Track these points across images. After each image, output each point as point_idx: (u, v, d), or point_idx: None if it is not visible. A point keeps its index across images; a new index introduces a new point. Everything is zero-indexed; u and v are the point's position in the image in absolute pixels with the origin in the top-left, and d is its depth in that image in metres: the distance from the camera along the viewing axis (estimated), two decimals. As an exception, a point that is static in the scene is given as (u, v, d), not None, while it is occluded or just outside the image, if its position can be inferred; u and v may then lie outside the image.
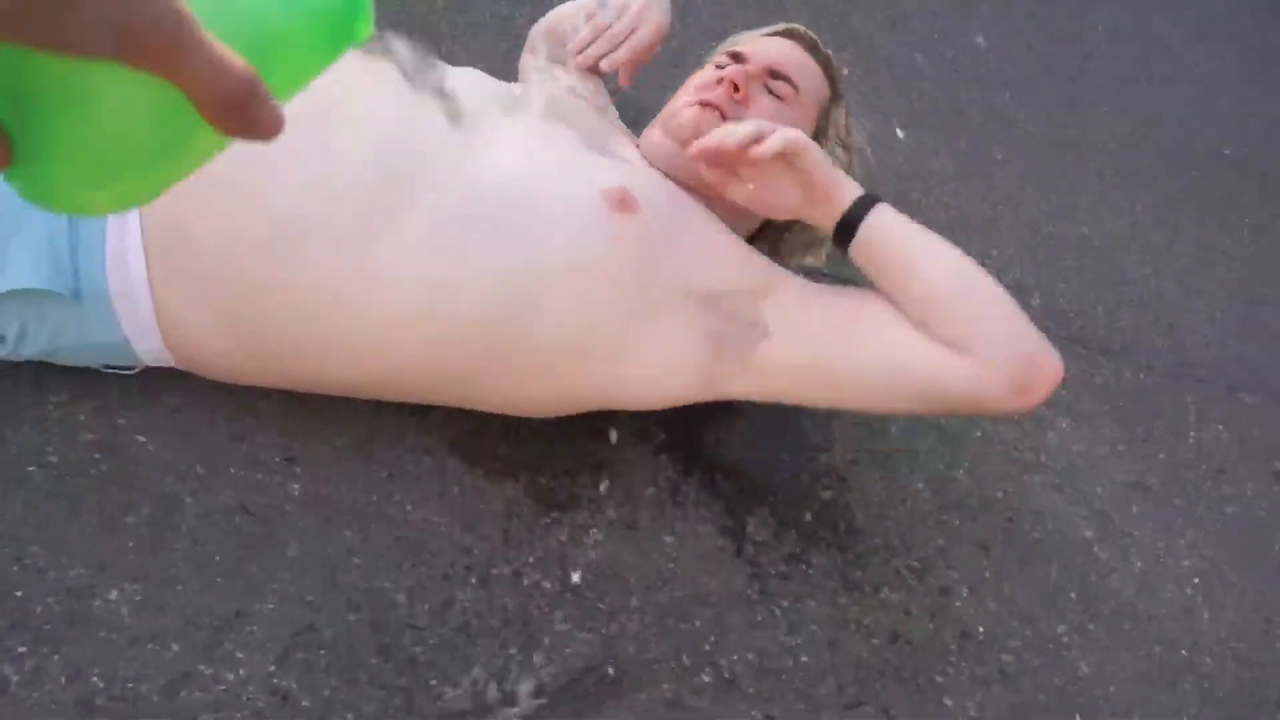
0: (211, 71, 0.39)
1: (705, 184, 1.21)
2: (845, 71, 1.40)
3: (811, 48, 1.35)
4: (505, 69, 1.41)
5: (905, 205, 1.67)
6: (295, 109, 1.11)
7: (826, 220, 1.15)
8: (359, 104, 1.10)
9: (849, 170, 1.33)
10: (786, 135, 1.10)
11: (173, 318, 1.09)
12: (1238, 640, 1.31)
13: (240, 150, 1.04)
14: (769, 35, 1.36)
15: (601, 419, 1.26)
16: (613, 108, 1.39)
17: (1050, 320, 1.61)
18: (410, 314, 1.06)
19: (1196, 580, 1.35)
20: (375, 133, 1.08)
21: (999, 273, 1.62)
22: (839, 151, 1.33)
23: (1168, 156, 1.97)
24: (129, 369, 1.17)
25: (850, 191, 1.14)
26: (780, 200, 1.15)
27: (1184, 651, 1.28)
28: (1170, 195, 1.90)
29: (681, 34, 1.86)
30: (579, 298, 1.08)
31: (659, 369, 1.13)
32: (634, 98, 1.49)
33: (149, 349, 1.13)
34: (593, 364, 1.12)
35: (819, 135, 1.32)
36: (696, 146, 1.12)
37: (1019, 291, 1.62)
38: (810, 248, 1.36)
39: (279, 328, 1.08)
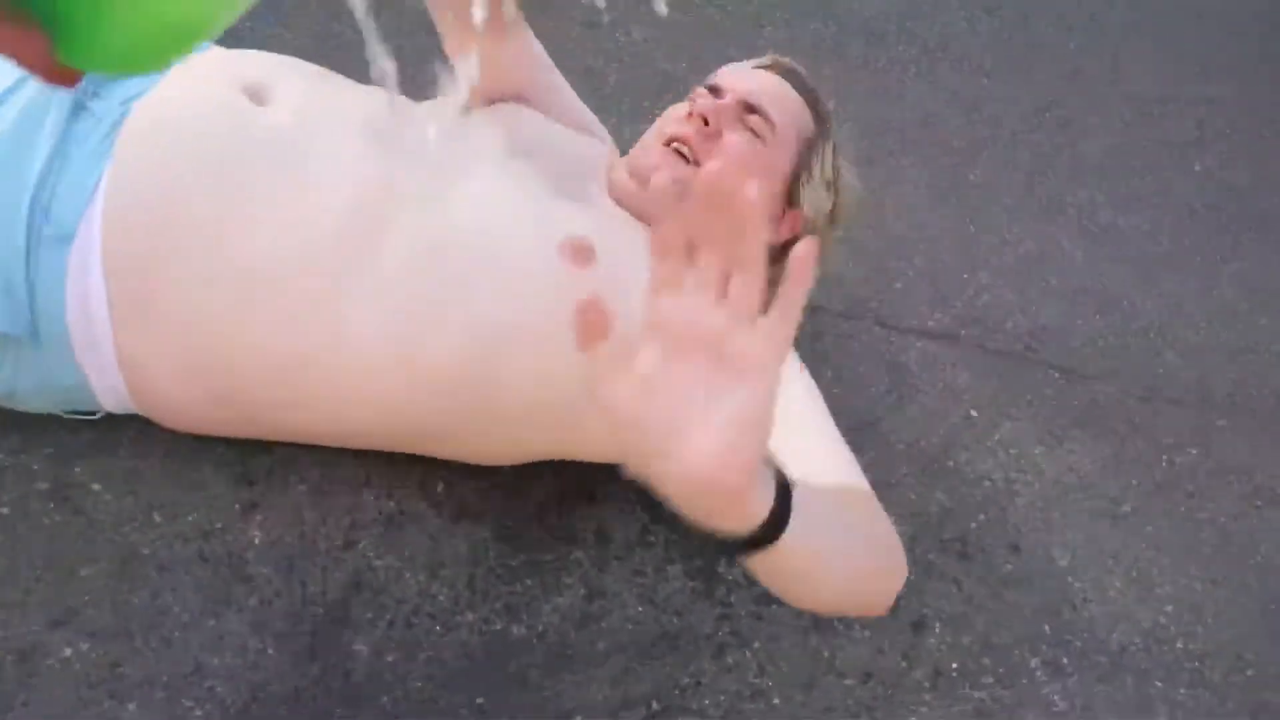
0: None
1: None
2: (832, 105, 1.34)
3: (795, 81, 1.29)
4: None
5: (881, 228, 1.67)
6: (264, 159, 1.07)
7: (706, 515, 0.69)
8: (328, 150, 1.08)
9: (835, 214, 1.29)
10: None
11: (135, 363, 1.07)
12: (1210, 669, 1.30)
13: (206, 200, 1.03)
14: (753, 68, 1.30)
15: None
16: (600, 136, 1.36)
17: (1024, 344, 1.60)
18: (377, 371, 1.05)
19: (1169, 608, 1.34)
20: (341, 181, 1.06)
21: (972, 296, 1.63)
22: (824, 193, 1.27)
23: (1160, 179, 1.96)
24: (91, 414, 1.15)
25: (764, 497, 0.71)
26: (656, 433, 0.64)
27: (1158, 683, 1.27)
28: (1158, 219, 1.89)
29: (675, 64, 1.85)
30: (535, 354, 1.05)
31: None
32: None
33: (110, 392, 1.10)
34: (555, 420, 1.10)
35: (801, 172, 1.25)
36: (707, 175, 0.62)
37: (998, 309, 1.62)
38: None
39: (244, 382, 1.07)
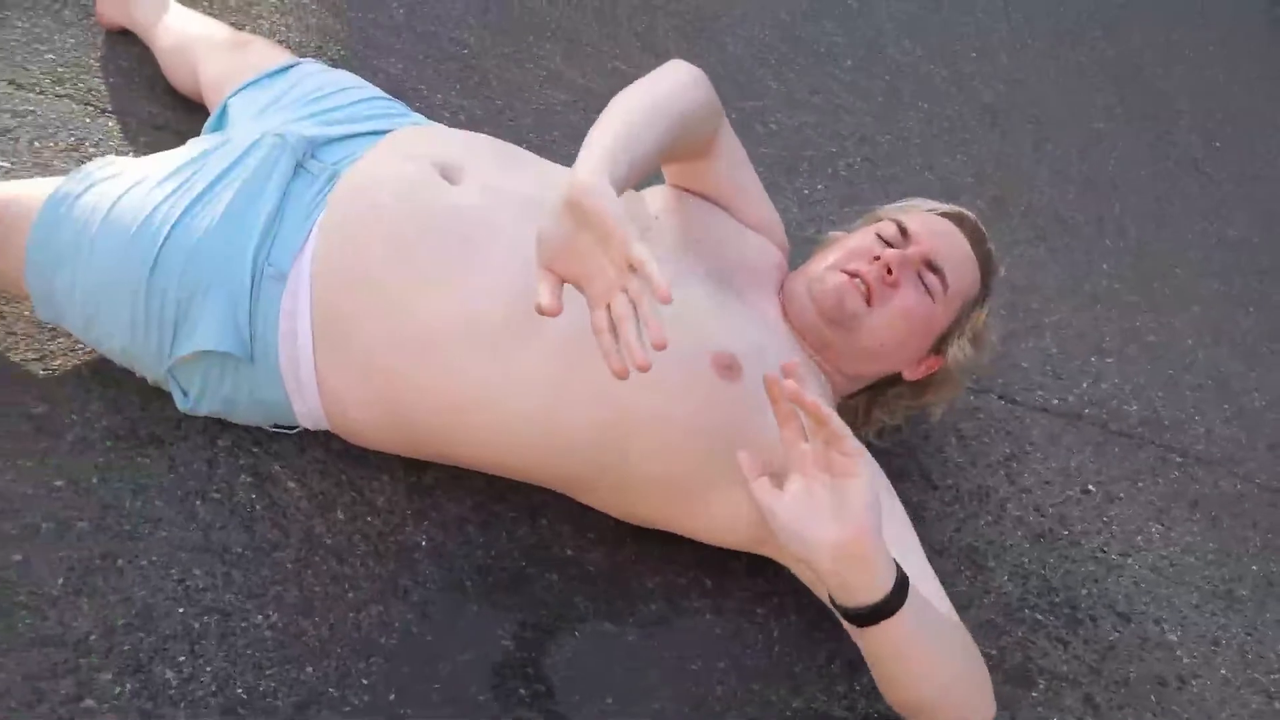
0: None
1: (827, 347, 1.29)
2: (1002, 272, 1.40)
3: (977, 240, 1.35)
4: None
5: (1012, 309, 1.75)
6: (449, 235, 1.19)
7: (842, 586, 1.04)
8: (505, 232, 1.21)
9: (967, 364, 1.36)
10: (869, 469, 1.06)
11: (331, 389, 1.24)
12: (1323, 756, 1.32)
13: (396, 266, 1.17)
14: (939, 214, 1.36)
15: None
16: (772, 233, 1.41)
17: (1145, 428, 1.65)
18: (523, 425, 1.19)
19: (1283, 694, 1.37)
20: (513, 264, 1.18)
21: (1095, 380, 1.69)
22: (966, 346, 1.34)
23: (1273, 275, 2.00)
24: (291, 429, 1.32)
25: (888, 564, 1.04)
26: (808, 529, 1.03)
27: (1265, 762, 1.30)
28: (1276, 310, 1.92)
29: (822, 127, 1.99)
30: (663, 445, 1.17)
31: (720, 522, 1.20)
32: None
33: (308, 412, 1.27)
34: (671, 501, 1.23)
35: (954, 329, 1.34)
36: (793, 392, 1.02)
37: (1120, 395, 1.68)
38: (905, 412, 1.41)
39: (416, 416, 1.22)
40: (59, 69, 1.74)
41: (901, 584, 1.04)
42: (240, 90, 1.46)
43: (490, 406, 1.19)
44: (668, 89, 1.20)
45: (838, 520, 1.01)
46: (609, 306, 0.98)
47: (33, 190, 1.30)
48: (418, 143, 1.32)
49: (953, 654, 1.12)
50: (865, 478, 1.01)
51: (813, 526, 1.02)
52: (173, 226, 1.23)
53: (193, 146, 1.34)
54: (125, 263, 1.23)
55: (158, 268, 1.22)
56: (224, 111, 1.47)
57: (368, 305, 1.21)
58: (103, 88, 1.74)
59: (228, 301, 1.22)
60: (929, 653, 1.08)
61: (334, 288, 1.22)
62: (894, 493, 1.26)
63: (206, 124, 1.49)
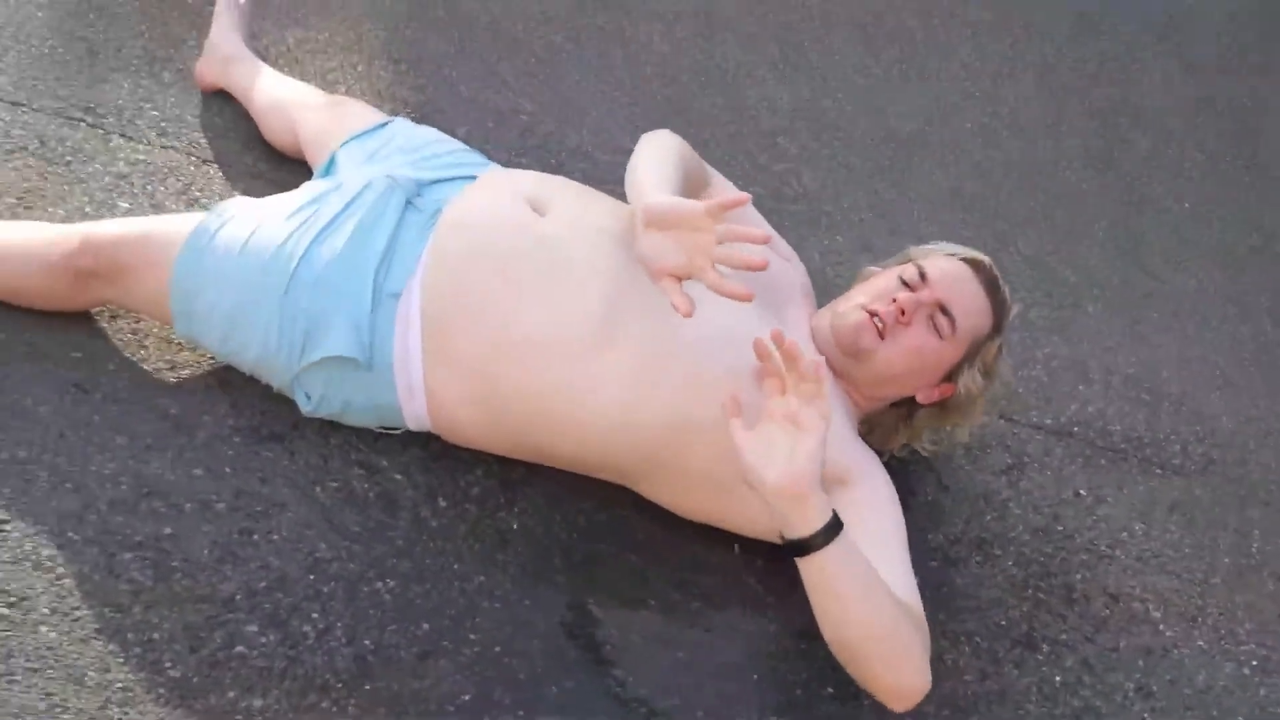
0: None
1: (847, 372, 1.51)
2: (1016, 310, 1.59)
3: (991, 285, 1.52)
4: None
5: (1008, 344, 1.98)
6: (540, 259, 1.43)
7: (783, 521, 1.25)
8: (587, 256, 1.43)
9: (980, 394, 1.56)
10: (825, 405, 1.25)
11: (436, 392, 1.45)
12: (1289, 716, 1.52)
13: (495, 284, 1.38)
14: (958, 259, 1.53)
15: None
16: (796, 266, 1.67)
17: (1128, 444, 1.88)
18: (601, 421, 1.40)
19: (1255, 662, 1.58)
20: (594, 284, 1.41)
21: (1082, 404, 1.92)
22: (977, 376, 1.53)
23: (1247, 310, 2.24)
24: (395, 430, 1.53)
25: (823, 508, 1.24)
26: (760, 466, 1.24)
27: (1240, 718, 1.50)
28: (1246, 344, 2.17)
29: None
30: (716, 446, 1.35)
31: (758, 516, 1.37)
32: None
33: (414, 413, 1.48)
34: (718, 495, 1.43)
35: (964, 362, 1.52)
36: (791, 344, 1.24)
37: (1104, 417, 1.91)
38: (931, 435, 1.62)
39: (512, 414, 1.44)
40: (163, 124, 1.97)
41: (831, 528, 1.24)
42: (347, 142, 1.69)
43: (573, 403, 1.40)
44: (658, 143, 1.51)
45: (785, 465, 1.23)
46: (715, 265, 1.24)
47: (172, 226, 1.51)
48: (509, 182, 1.55)
49: (880, 614, 1.26)
50: (817, 436, 1.24)
51: (764, 465, 1.24)
52: (303, 255, 1.45)
53: (308, 190, 1.56)
54: (262, 287, 1.44)
55: (291, 290, 1.44)
56: (332, 161, 1.69)
57: (469, 318, 1.42)
58: (203, 140, 1.96)
59: (351, 316, 1.43)
60: (853, 600, 1.26)
61: (441, 303, 1.44)
62: (894, 498, 1.44)
63: (317, 171, 1.72)
